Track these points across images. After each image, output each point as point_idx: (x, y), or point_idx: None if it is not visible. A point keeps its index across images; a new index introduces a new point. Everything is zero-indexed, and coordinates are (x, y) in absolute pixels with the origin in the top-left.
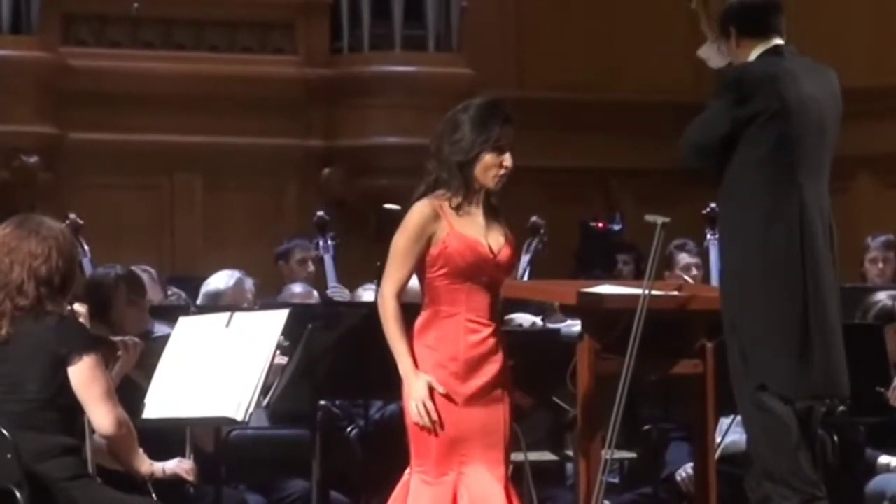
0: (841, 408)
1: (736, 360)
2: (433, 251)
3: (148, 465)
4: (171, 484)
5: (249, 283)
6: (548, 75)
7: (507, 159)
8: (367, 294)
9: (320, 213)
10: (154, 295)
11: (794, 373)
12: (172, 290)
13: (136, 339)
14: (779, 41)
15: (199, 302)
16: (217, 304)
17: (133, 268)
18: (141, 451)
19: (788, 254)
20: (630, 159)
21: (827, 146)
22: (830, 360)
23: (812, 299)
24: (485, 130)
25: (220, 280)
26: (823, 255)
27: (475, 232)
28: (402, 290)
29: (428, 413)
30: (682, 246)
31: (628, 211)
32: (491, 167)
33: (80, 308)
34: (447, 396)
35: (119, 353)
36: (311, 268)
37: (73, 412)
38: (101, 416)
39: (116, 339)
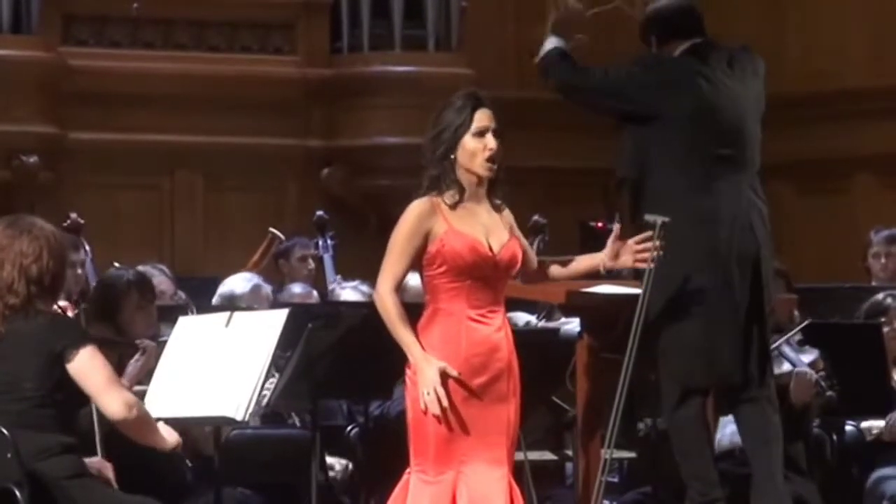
0: (829, 393)
1: (661, 359)
2: (431, 249)
3: (174, 438)
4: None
5: (267, 290)
6: None
7: (490, 141)
8: (344, 293)
9: (320, 212)
10: (168, 289)
11: (695, 366)
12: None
13: (153, 343)
14: (698, 39)
15: (213, 303)
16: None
17: (146, 266)
18: (161, 425)
19: (696, 256)
20: None
21: (747, 141)
22: (704, 350)
23: (712, 300)
24: (459, 117)
25: (238, 284)
26: (723, 252)
27: (475, 230)
28: (398, 286)
29: (439, 400)
30: None
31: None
32: (475, 152)
33: (64, 304)
34: (449, 394)
35: (138, 354)
36: (312, 265)
37: (70, 409)
38: (109, 402)
39: (139, 342)
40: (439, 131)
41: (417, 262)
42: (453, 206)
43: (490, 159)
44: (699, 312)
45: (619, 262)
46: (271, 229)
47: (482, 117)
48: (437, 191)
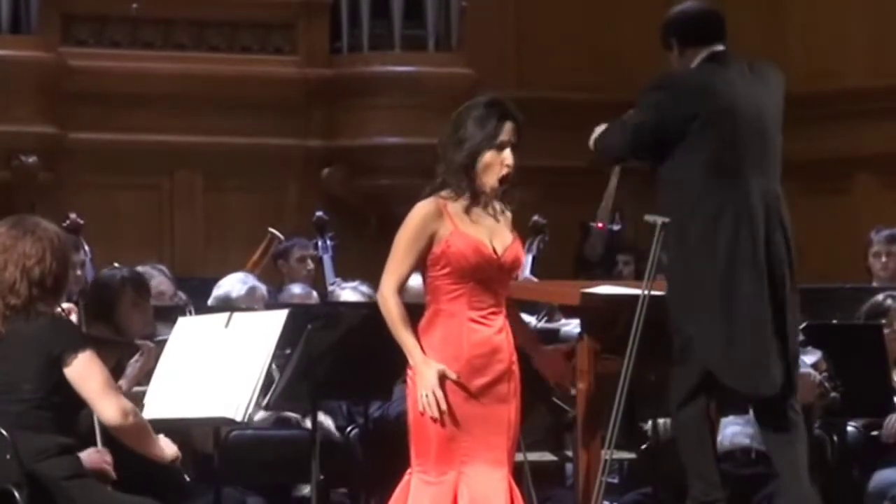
0: (833, 394)
1: (676, 359)
2: (436, 250)
3: (173, 451)
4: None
5: (262, 291)
6: (548, 75)
7: (507, 157)
8: (344, 293)
9: (319, 213)
10: (168, 290)
11: (723, 367)
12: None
13: (151, 344)
14: (719, 47)
15: (209, 304)
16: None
17: (146, 266)
18: (161, 437)
19: (720, 257)
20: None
21: (770, 146)
22: (752, 359)
23: (739, 300)
24: (483, 129)
25: (233, 286)
26: (759, 257)
27: (480, 233)
28: (401, 287)
29: (437, 403)
30: None
31: (628, 211)
32: (492, 166)
33: (68, 306)
34: (449, 395)
35: (137, 355)
36: (311, 265)
37: (69, 411)
38: (105, 408)
39: (138, 342)
40: (460, 141)
41: (422, 263)
42: (463, 210)
43: (504, 178)
44: (744, 319)
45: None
46: (271, 229)
47: (507, 131)
48: (447, 192)
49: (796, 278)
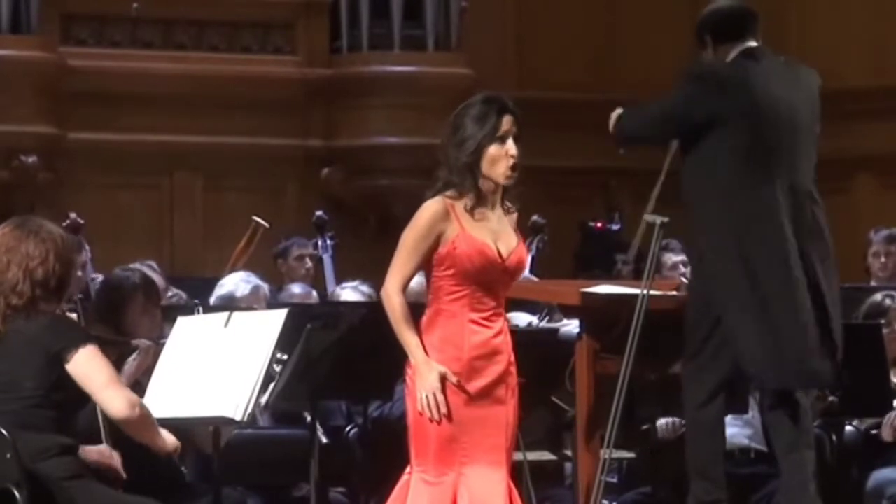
0: (831, 398)
1: (700, 357)
2: (441, 250)
3: (173, 441)
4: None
5: (265, 290)
6: (548, 75)
7: (511, 147)
8: (344, 293)
9: (319, 213)
10: (160, 285)
11: (763, 364)
12: (173, 291)
13: (147, 342)
14: (752, 43)
15: (211, 302)
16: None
17: (135, 264)
18: (162, 429)
19: (755, 252)
20: (630, 159)
21: (803, 145)
22: (799, 351)
23: (777, 296)
24: (484, 124)
25: (237, 285)
26: (792, 251)
27: (485, 235)
28: (406, 286)
29: (437, 405)
30: (666, 246)
31: (627, 211)
32: (498, 159)
33: (71, 315)
34: (449, 396)
35: (135, 353)
36: (309, 264)
37: (69, 410)
38: (111, 401)
39: (136, 341)
40: (462, 140)
41: (427, 262)
42: (469, 211)
43: (512, 167)
44: (786, 316)
45: None
46: (255, 217)
47: (507, 122)
48: (452, 192)
49: None
